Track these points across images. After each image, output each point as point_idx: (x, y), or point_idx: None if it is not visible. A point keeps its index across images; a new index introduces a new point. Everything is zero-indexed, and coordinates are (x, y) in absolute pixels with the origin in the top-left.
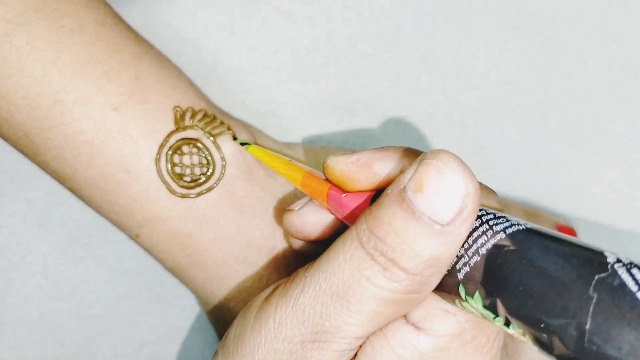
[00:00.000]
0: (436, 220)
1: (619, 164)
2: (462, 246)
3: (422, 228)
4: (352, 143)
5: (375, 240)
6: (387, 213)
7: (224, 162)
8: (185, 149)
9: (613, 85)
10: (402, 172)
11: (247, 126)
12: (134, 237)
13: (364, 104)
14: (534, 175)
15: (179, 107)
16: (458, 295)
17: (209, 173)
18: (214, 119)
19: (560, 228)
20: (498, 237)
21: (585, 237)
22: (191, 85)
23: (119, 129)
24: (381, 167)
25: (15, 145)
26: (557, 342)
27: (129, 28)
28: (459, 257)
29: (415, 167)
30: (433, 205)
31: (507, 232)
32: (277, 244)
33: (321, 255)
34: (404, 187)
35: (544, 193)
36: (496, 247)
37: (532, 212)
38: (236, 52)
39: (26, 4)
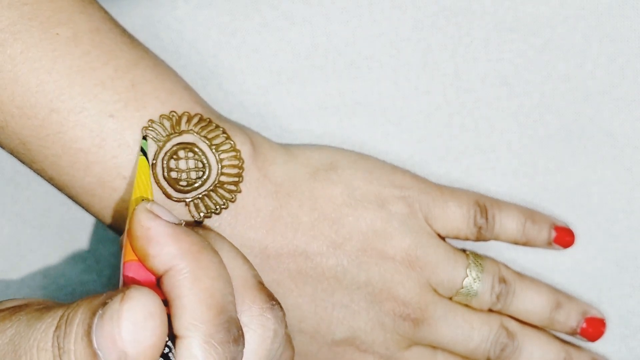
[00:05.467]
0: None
1: (617, 165)
2: None
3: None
4: (351, 145)
5: (65, 335)
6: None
7: (220, 166)
8: (181, 153)
9: (611, 86)
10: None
11: (243, 129)
12: None
13: (364, 105)
14: (532, 176)
15: (174, 112)
16: None
17: (204, 177)
18: (210, 122)
19: (558, 229)
20: None
21: (583, 238)
22: (187, 88)
23: (115, 137)
24: (155, 251)
25: (12, 153)
26: None
27: (124, 33)
28: None
29: (117, 304)
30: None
31: None
32: (268, 244)
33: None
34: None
35: (543, 194)
36: None
37: (530, 212)
38: (236, 54)
39: (19, 12)
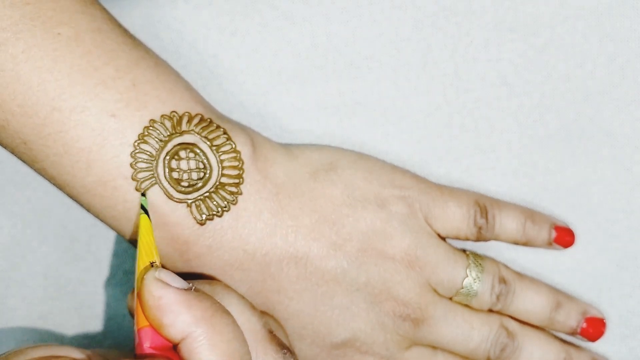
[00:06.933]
0: None
1: (617, 165)
2: None
3: None
4: (351, 145)
5: None
6: None
7: (220, 167)
8: (182, 153)
9: (611, 86)
10: None
11: (244, 128)
12: (134, 243)
13: (364, 105)
14: (532, 176)
15: (175, 112)
16: None
17: (206, 178)
18: (210, 123)
19: (558, 229)
20: None
21: (583, 238)
22: (188, 88)
23: (117, 136)
24: (170, 321)
25: (13, 152)
26: None
27: (125, 33)
28: None
29: None
30: None
31: None
32: (269, 251)
33: None
34: None
35: (543, 194)
36: None
37: (530, 212)
38: (236, 54)
39: (21, 12)
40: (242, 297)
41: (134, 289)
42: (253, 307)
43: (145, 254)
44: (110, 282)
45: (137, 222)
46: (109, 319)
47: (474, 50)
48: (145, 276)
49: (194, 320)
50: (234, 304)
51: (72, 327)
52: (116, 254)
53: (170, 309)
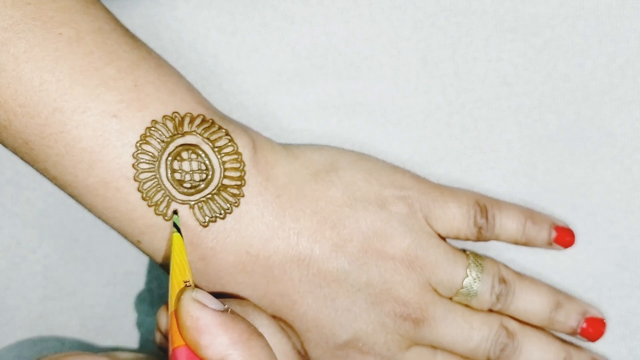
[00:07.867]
0: None
1: (617, 165)
2: None
3: None
4: (351, 145)
5: None
6: None
7: (222, 168)
8: (184, 155)
9: (611, 86)
10: None
11: (246, 129)
12: (135, 243)
13: (363, 105)
14: (532, 176)
15: (177, 113)
16: None
17: (208, 179)
18: (212, 124)
19: (558, 229)
20: None
21: (583, 238)
22: (190, 89)
23: (118, 136)
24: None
25: (15, 152)
26: None
27: (127, 33)
28: None
29: None
30: None
31: None
32: (272, 253)
33: None
34: None
35: (543, 194)
36: None
37: (530, 212)
38: (236, 54)
39: (23, 12)
40: (272, 318)
41: (164, 305)
42: (283, 328)
43: (179, 272)
44: (111, 282)
45: (140, 224)
46: (109, 318)
47: (474, 50)
48: (182, 296)
49: (231, 342)
50: (265, 325)
51: (72, 327)
52: (116, 254)
53: (208, 330)
